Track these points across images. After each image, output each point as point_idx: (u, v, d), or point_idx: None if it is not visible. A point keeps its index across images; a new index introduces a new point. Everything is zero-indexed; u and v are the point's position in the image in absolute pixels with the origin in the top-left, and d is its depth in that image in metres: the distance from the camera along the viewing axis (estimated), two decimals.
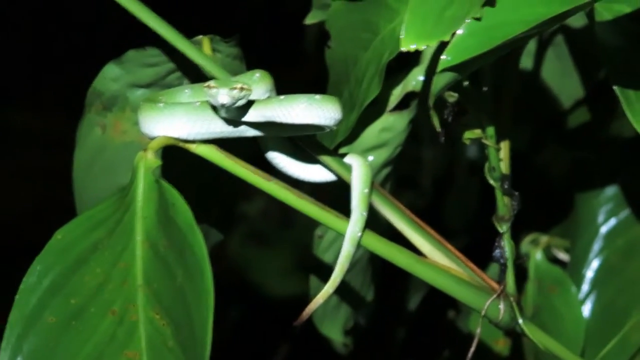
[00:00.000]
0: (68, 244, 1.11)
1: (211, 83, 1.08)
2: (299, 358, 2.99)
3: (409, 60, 1.35)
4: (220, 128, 1.14)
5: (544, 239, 1.61)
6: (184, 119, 1.13)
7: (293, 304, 3.11)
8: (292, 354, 2.99)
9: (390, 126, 1.37)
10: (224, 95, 1.08)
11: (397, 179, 1.51)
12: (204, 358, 1.01)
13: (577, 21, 1.56)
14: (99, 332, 1.09)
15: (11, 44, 3.68)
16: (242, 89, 1.08)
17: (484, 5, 1.06)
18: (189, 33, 1.24)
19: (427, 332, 2.14)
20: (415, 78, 1.34)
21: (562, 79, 1.64)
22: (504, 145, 1.26)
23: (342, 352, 1.64)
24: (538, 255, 1.59)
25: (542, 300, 1.55)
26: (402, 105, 1.37)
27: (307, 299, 3.13)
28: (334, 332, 1.58)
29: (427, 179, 2.82)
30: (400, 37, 1.09)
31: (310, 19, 1.43)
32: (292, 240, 3.23)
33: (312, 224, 3.48)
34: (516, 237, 1.42)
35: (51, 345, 1.08)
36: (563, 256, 1.65)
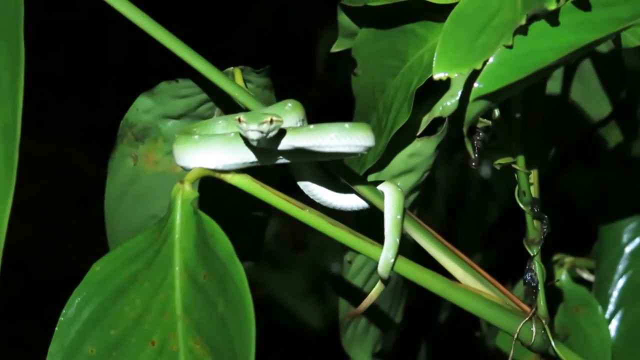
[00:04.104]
0: (106, 276, 1.12)
1: (241, 117, 1.09)
2: None
3: (435, 86, 1.37)
4: (254, 157, 1.15)
5: (568, 259, 1.62)
6: (220, 150, 1.14)
7: (308, 326, 3.12)
8: None
9: (418, 152, 1.38)
10: (254, 131, 1.09)
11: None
12: None
13: (603, 46, 1.58)
14: None
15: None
16: (271, 121, 1.09)
17: (515, 33, 1.08)
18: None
19: (454, 350, 2.15)
20: (443, 104, 1.35)
21: (585, 100, 1.66)
22: (533, 170, 1.28)
23: None
24: (563, 275, 1.60)
25: (568, 321, 1.55)
26: (429, 130, 1.38)
27: (322, 322, 3.13)
28: (363, 355, 1.59)
29: (440, 199, 2.84)
30: (433, 65, 1.11)
31: (336, 47, 1.44)
32: (305, 263, 3.24)
33: (325, 246, 3.48)
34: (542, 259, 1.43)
35: None
36: (587, 276, 1.66)
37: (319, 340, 3.09)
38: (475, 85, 1.07)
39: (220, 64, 1.29)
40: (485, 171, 2.81)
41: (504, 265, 1.57)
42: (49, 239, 3.71)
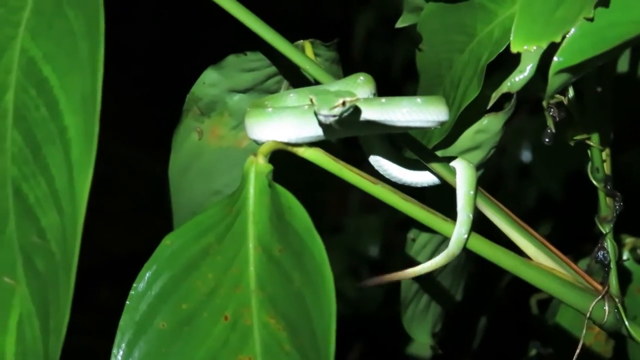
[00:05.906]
0: (177, 250, 1.10)
1: (313, 99, 1.08)
2: None
3: (502, 62, 1.35)
4: (328, 130, 1.14)
5: (629, 240, 1.60)
6: (293, 123, 1.12)
7: (347, 310, 3.11)
8: None
9: (485, 128, 1.36)
10: (326, 117, 1.07)
11: None
12: None
13: None
14: (211, 337, 1.09)
15: None
16: (344, 103, 1.08)
17: (596, 6, 1.06)
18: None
19: (511, 324, 2.13)
20: (511, 80, 1.33)
21: None
22: (605, 147, 1.26)
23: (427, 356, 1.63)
24: (624, 256, 1.57)
25: (630, 302, 1.53)
26: (495, 107, 1.36)
27: (359, 304, 3.12)
28: (422, 334, 1.58)
29: None
30: (511, 38, 1.09)
31: (401, 23, 1.42)
32: (342, 246, 3.23)
33: (361, 230, 3.44)
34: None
35: (163, 351, 1.08)
36: None
37: (357, 324, 3.09)
38: (555, 59, 1.05)
39: None
40: (525, 156, 2.79)
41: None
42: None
